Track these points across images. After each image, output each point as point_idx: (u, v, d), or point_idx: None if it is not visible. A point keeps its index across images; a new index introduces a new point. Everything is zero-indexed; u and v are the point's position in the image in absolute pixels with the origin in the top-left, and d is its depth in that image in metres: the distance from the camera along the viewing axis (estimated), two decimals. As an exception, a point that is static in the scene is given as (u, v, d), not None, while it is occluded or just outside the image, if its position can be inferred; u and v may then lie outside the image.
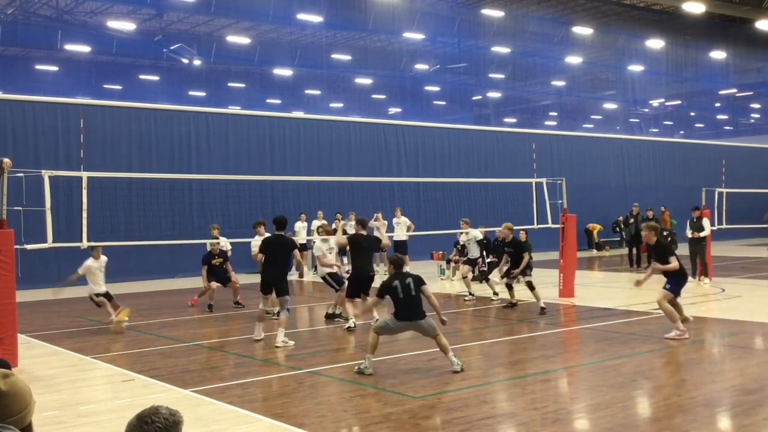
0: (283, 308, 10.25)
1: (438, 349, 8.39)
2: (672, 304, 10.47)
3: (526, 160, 26.44)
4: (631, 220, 21.66)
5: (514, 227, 18.33)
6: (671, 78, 44.10)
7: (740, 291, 15.39)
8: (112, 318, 11.67)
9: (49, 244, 10.80)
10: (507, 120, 48.96)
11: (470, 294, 14.81)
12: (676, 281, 10.45)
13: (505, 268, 13.76)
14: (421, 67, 42.45)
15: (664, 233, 19.90)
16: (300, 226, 19.97)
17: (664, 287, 10.45)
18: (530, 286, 13.08)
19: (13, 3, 31.50)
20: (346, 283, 11.91)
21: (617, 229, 27.07)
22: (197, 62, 37.74)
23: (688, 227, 17.08)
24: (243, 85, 42.35)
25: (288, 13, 32.99)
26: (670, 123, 56.58)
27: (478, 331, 11.47)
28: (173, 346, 10.66)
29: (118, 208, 18.46)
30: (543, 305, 12.77)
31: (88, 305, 14.87)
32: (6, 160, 9.52)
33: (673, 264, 10.32)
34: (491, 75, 42.98)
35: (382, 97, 45.75)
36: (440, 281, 18.91)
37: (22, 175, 10.42)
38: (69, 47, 33.81)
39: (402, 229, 19.81)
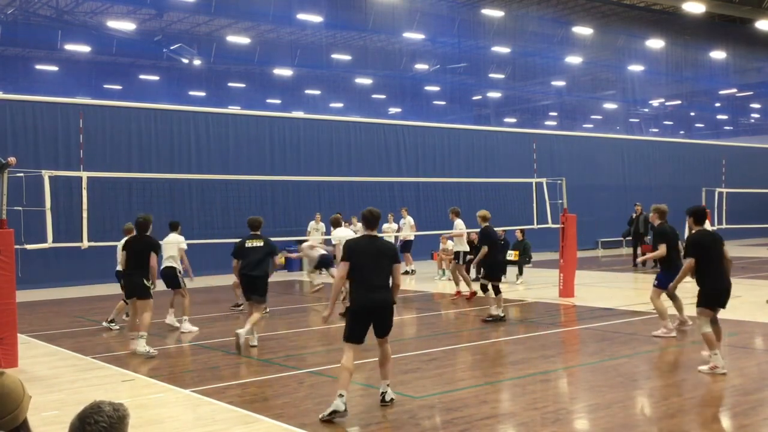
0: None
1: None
2: (673, 298, 10.40)
3: (526, 160, 26.42)
4: (634, 215, 21.60)
5: (514, 227, 18.41)
6: (671, 78, 44.08)
7: (740, 291, 15.36)
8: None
9: (49, 244, 10.81)
10: (507, 120, 48.98)
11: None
12: (663, 274, 10.37)
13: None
14: (421, 67, 42.45)
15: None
16: (313, 226, 19.92)
17: (653, 283, 10.47)
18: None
19: (13, 3, 31.50)
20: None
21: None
22: (197, 62, 37.75)
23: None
24: (243, 85, 42.38)
25: (288, 13, 32.97)
26: (670, 123, 56.60)
27: (478, 331, 11.46)
28: (173, 346, 10.67)
29: (118, 208, 18.43)
30: (494, 314, 12.00)
31: (87, 305, 14.86)
32: (11, 159, 9.64)
33: (659, 251, 10.30)
34: (491, 75, 42.99)
35: (382, 97, 45.74)
36: (438, 282, 18.89)
37: (22, 175, 10.41)
38: (69, 47, 33.81)
39: (407, 228, 19.93)
